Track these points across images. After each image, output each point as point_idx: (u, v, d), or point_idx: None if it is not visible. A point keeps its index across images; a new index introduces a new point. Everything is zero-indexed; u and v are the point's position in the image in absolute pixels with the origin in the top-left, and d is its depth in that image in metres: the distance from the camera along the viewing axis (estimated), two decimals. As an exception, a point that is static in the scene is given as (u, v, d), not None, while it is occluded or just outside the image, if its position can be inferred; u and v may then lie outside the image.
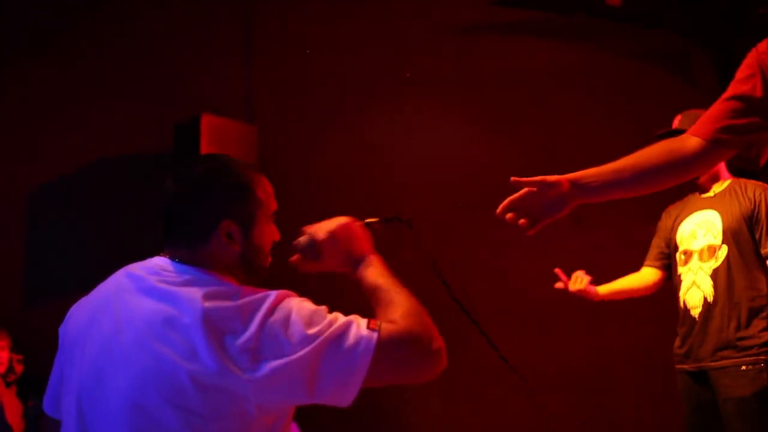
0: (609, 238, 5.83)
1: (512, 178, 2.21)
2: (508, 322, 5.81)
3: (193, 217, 1.89)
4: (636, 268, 4.91)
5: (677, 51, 6.04)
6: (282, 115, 5.53)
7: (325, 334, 1.74)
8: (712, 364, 3.60)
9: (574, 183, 2.24)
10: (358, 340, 1.75)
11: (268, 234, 1.98)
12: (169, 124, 5.16)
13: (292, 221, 2.08)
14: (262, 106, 5.34)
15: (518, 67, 5.99)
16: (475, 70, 5.96)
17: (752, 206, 3.65)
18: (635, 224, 5.80)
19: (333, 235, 2.07)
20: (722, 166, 3.82)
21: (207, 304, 1.74)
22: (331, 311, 1.84)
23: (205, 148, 4.74)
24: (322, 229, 2.09)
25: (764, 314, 3.56)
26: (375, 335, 1.76)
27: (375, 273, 2.01)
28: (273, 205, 1.99)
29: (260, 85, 5.46)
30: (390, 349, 1.77)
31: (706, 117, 2.27)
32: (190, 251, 1.89)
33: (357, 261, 2.05)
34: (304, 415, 4.07)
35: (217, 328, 1.72)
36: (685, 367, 3.75)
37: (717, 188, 3.82)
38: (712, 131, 2.23)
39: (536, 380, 5.69)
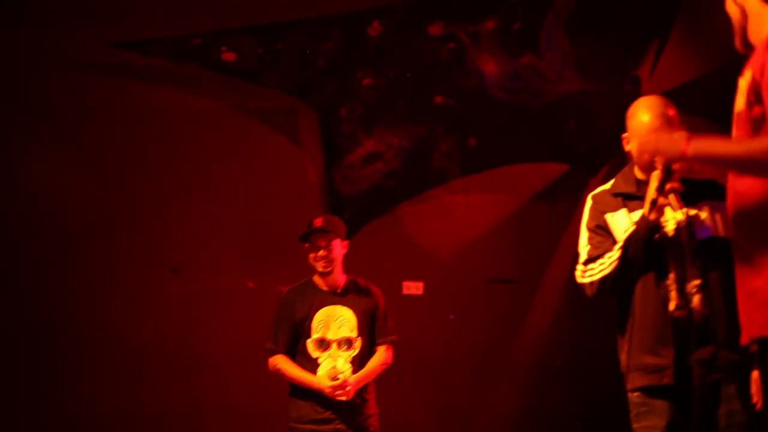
0: (204, 286, 5.89)
1: None
2: (102, 367, 5.66)
3: None
4: (227, 313, 5.08)
5: (285, 109, 6.18)
6: None
7: None
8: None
9: None
10: None
11: None
12: None
13: None
14: None
15: (132, 108, 5.93)
16: (89, 107, 5.87)
17: (374, 304, 4.60)
18: (225, 275, 5.90)
19: None
20: (341, 268, 4.60)
21: None
22: None
23: None
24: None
25: None
26: None
27: None
28: None
29: None
30: None
31: None
32: None
33: None
34: None
35: None
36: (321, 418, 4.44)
37: (339, 285, 4.60)
38: None
39: (131, 426, 5.62)
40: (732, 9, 2.49)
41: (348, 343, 4.48)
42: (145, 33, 5.93)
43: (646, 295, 3.16)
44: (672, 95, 6.68)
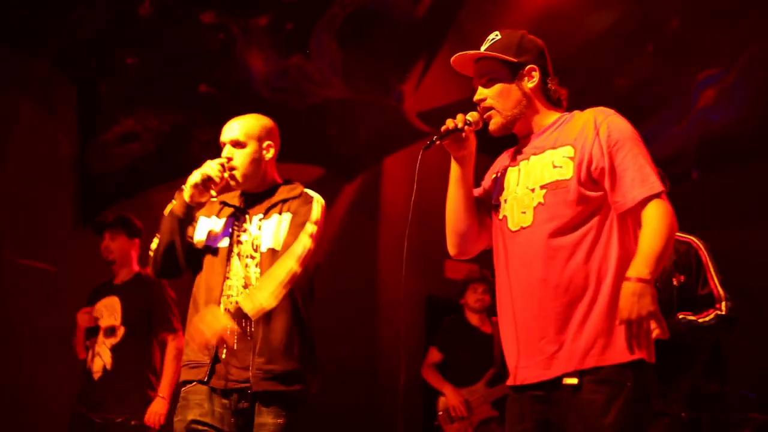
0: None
1: None
2: None
3: None
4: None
5: (43, 77, 5.90)
6: None
7: None
8: None
9: None
10: None
11: None
12: None
13: None
14: None
15: None
16: None
17: (149, 297, 4.72)
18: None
19: None
20: (127, 262, 4.87)
21: None
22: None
23: None
24: None
25: None
26: None
27: None
28: None
29: None
30: None
31: None
32: None
33: None
34: None
35: None
36: None
37: (124, 276, 4.87)
38: None
39: None
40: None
41: (111, 331, 4.69)
42: None
43: (201, 295, 3.23)
44: (431, 114, 6.99)
